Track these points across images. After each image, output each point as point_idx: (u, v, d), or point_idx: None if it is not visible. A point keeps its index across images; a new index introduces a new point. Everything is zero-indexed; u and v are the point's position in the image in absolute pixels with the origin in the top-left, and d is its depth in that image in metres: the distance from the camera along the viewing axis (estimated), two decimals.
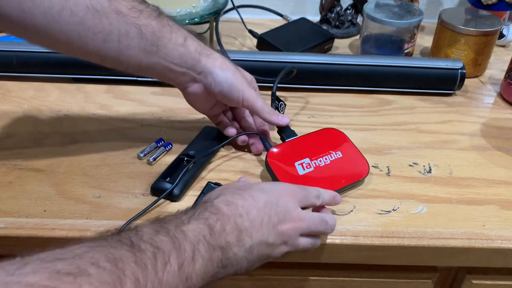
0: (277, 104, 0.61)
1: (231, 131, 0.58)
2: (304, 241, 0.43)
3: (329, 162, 0.54)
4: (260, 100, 0.55)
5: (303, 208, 0.44)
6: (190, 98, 0.55)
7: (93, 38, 0.45)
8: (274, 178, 0.53)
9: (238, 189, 0.42)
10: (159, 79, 0.53)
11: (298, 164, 0.53)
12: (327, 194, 0.47)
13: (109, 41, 0.46)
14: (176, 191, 0.51)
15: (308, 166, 0.53)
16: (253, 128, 0.60)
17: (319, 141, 0.56)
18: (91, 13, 0.44)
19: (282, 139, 0.58)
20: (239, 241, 0.38)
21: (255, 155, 0.59)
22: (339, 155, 0.55)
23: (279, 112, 0.61)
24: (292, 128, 0.59)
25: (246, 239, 0.39)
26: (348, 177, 0.53)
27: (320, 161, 0.54)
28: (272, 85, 0.62)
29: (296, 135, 0.57)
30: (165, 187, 0.51)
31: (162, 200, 0.51)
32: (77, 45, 0.46)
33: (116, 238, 0.33)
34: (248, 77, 0.57)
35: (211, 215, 0.38)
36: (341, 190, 0.53)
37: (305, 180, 0.52)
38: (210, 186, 0.53)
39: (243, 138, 0.58)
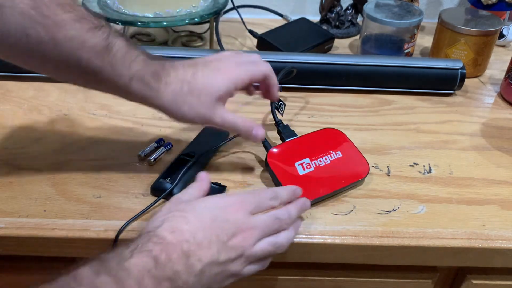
0: (277, 104, 0.61)
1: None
2: (263, 246, 0.41)
3: (329, 162, 0.54)
4: (228, 119, 0.49)
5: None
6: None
7: (29, 58, 0.43)
8: (274, 178, 0.53)
9: (182, 210, 0.40)
10: None
11: (298, 164, 0.53)
12: (284, 191, 0.46)
13: (47, 66, 0.44)
14: (176, 191, 0.51)
15: (308, 166, 0.53)
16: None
17: (319, 141, 0.56)
18: (24, 38, 0.41)
19: (282, 139, 0.57)
20: (188, 267, 0.37)
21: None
22: (339, 155, 0.55)
23: (279, 112, 0.61)
24: (292, 128, 0.59)
25: (195, 264, 0.38)
26: (348, 177, 0.53)
27: (320, 161, 0.54)
28: None
29: (296, 135, 0.57)
30: (165, 187, 0.51)
31: (162, 200, 0.51)
32: (16, 63, 0.45)
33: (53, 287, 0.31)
34: (221, 89, 0.49)
35: (155, 246, 0.37)
36: (341, 190, 0.53)
37: (305, 180, 0.52)
38: (210, 186, 0.53)
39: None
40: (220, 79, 0.49)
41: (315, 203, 0.51)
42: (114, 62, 0.44)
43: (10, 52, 0.43)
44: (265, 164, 0.54)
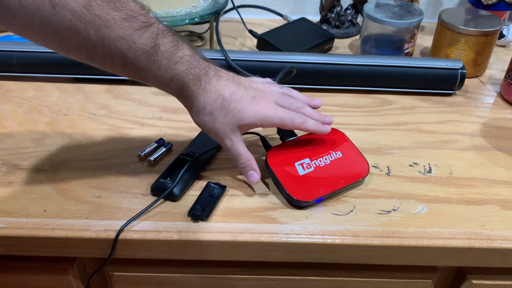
0: None
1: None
2: None
3: (329, 162, 0.54)
4: (236, 148, 0.51)
5: None
6: None
7: (77, 53, 0.43)
8: (275, 179, 0.53)
9: None
10: None
11: (298, 165, 0.53)
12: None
13: (93, 61, 0.44)
14: (176, 191, 0.51)
15: (308, 166, 0.53)
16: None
17: (318, 141, 0.56)
18: (74, 37, 0.41)
19: (282, 139, 0.57)
20: None
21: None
22: (339, 155, 0.55)
23: None
24: None
25: None
26: (348, 177, 0.53)
27: (320, 161, 0.54)
28: None
29: (296, 135, 0.57)
30: (165, 187, 0.51)
31: (162, 200, 0.51)
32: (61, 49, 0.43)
33: None
34: (247, 121, 0.50)
35: None
36: (341, 190, 0.53)
37: (306, 180, 0.52)
38: (210, 186, 0.53)
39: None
40: (252, 112, 0.50)
41: (315, 203, 0.51)
42: (159, 63, 0.45)
43: (59, 48, 0.43)
44: (265, 165, 0.54)
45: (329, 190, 0.52)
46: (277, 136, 0.59)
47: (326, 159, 0.54)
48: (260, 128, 0.64)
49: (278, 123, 0.51)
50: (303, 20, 0.87)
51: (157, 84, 0.48)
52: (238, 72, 0.69)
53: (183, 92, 0.48)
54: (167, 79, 0.47)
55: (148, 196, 0.52)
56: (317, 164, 0.54)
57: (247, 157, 0.51)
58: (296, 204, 0.51)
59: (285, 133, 0.58)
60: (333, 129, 0.58)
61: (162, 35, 0.45)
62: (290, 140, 0.56)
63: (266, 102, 0.51)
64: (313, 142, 0.56)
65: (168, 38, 0.45)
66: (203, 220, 0.49)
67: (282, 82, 0.65)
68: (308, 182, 0.52)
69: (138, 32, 0.43)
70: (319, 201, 0.52)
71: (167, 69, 0.46)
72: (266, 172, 0.54)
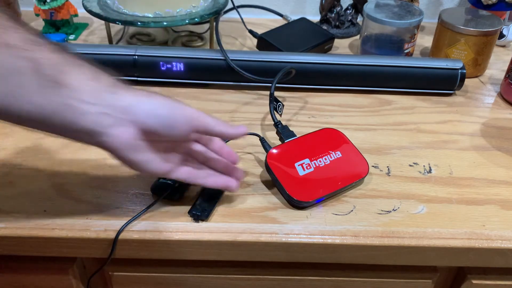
0: (275, 105, 0.61)
1: None
2: None
3: (328, 162, 0.54)
4: (208, 116, 0.45)
5: None
6: (125, 154, 0.42)
7: None
8: (275, 179, 0.53)
9: None
10: (68, 135, 0.42)
11: (298, 165, 0.53)
12: None
13: None
14: (176, 191, 0.51)
15: (308, 167, 0.53)
16: (221, 165, 0.50)
17: (318, 142, 0.56)
18: None
19: (281, 139, 0.58)
20: None
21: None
22: (338, 155, 0.55)
23: (278, 112, 0.61)
24: (292, 128, 0.59)
25: None
26: (348, 177, 0.53)
27: (320, 161, 0.54)
28: (270, 85, 0.62)
29: (295, 135, 0.57)
30: (165, 187, 0.51)
31: (162, 200, 0.51)
32: None
33: None
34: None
35: None
36: (341, 190, 0.53)
37: (306, 181, 0.52)
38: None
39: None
40: None
41: (315, 203, 0.51)
42: (76, 59, 0.40)
43: None
44: (265, 165, 0.54)
45: (329, 190, 0.52)
46: (277, 136, 0.59)
47: (326, 159, 0.54)
48: (259, 129, 0.64)
49: None
50: (303, 20, 0.87)
51: (84, 83, 0.39)
52: (237, 73, 0.69)
53: (117, 84, 0.42)
54: (91, 74, 0.40)
55: (148, 196, 0.52)
56: (317, 165, 0.54)
57: None
58: (296, 204, 0.51)
59: (284, 133, 0.58)
60: (332, 129, 0.58)
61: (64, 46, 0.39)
62: (290, 141, 0.56)
63: None
64: (312, 143, 0.56)
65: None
66: (203, 220, 0.49)
67: (282, 82, 0.65)
68: (308, 183, 0.52)
69: (42, 39, 0.38)
70: (319, 201, 0.52)
71: (85, 66, 0.40)
72: (266, 173, 0.54)
